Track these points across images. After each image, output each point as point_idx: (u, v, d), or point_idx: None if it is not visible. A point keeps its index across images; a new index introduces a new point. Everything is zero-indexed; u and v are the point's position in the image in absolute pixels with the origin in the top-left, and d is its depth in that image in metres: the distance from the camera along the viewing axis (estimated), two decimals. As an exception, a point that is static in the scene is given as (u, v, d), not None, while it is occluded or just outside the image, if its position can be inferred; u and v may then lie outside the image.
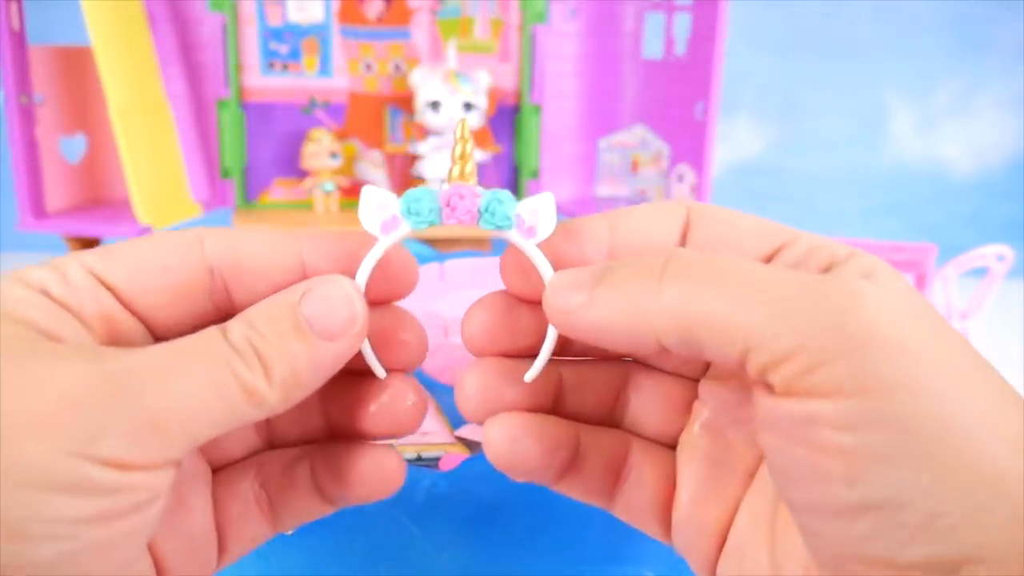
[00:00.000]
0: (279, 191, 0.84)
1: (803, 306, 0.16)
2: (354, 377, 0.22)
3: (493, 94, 0.83)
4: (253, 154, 0.83)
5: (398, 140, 0.85)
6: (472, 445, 0.36)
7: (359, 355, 0.21)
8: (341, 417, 0.22)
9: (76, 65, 0.74)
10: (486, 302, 0.22)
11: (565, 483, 0.22)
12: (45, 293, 0.19)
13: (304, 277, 0.20)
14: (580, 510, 0.25)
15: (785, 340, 0.16)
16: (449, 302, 0.49)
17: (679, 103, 0.79)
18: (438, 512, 0.32)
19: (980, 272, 0.70)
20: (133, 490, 0.17)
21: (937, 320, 0.17)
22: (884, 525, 0.15)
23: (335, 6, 0.81)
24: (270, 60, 0.81)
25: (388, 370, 0.22)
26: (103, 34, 0.65)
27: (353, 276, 0.20)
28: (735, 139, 1.21)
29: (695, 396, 0.22)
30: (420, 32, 0.83)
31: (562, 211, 0.90)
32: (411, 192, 0.20)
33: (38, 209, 0.70)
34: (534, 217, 0.20)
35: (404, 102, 0.83)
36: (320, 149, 0.79)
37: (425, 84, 0.78)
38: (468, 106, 0.78)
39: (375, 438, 0.22)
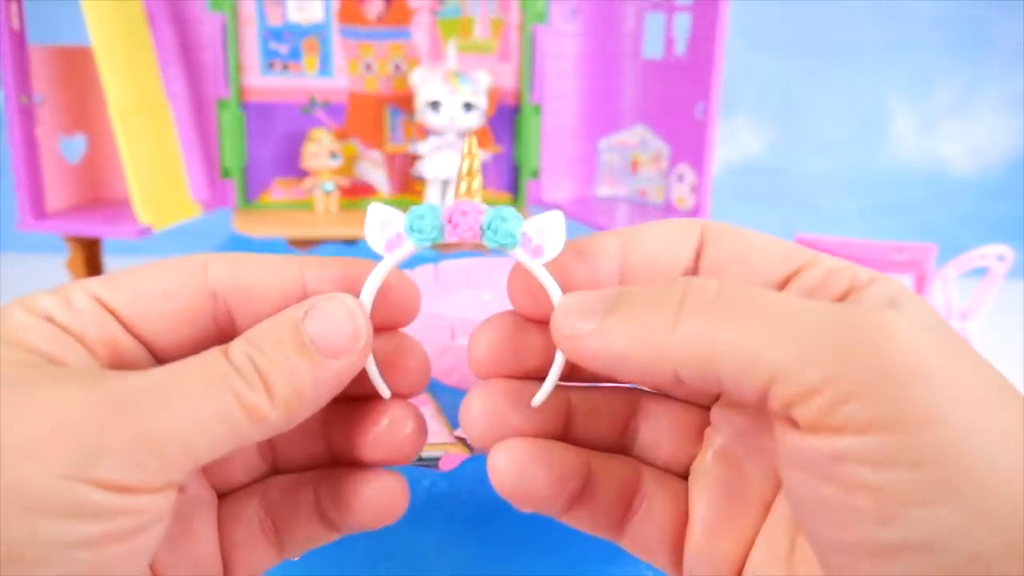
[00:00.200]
0: (279, 191, 0.84)
1: (829, 338, 0.15)
2: (355, 403, 0.22)
3: (493, 94, 0.83)
4: (253, 154, 0.82)
5: (398, 140, 0.85)
6: (472, 445, 0.36)
7: (361, 380, 0.21)
8: (342, 443, 0.22)
9: (76, 65, 0.74)
10: (493, 323, 0.21)
11: (573, 514, 0.21)
12: (49, 319, 0.19)
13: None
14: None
15: (811, 374, 0.15)
16: (455, 303, 0.49)
17: (679, 103, 0.79)
18: (438, 512, 0.32)
19: (980, 272, 0.70)
20: (132, 513, 0.16)
21: (962, 346, 0.16)
22: (921, 566, 0.15)
23: (335, 6, 0.81)
24: (270, 60, 0.81)
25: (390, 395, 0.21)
26: (103, 34, 0.65)
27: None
28: (735, 139, 1.21)
29: (707, 422, 0.21)
30: (420, 32, 0.83)
31: (563, 211, 0.89)
32: (415, 209, 0.20)
33: (38, 209, 0.70)
34: (541, 236, 0.20)
35: (404, 102, 0.83)
36: (320, 149, 0.79)
37: (425, 84, 0.78)
38: (468, 106, 0.78)
39: (374, 464, 0.22)
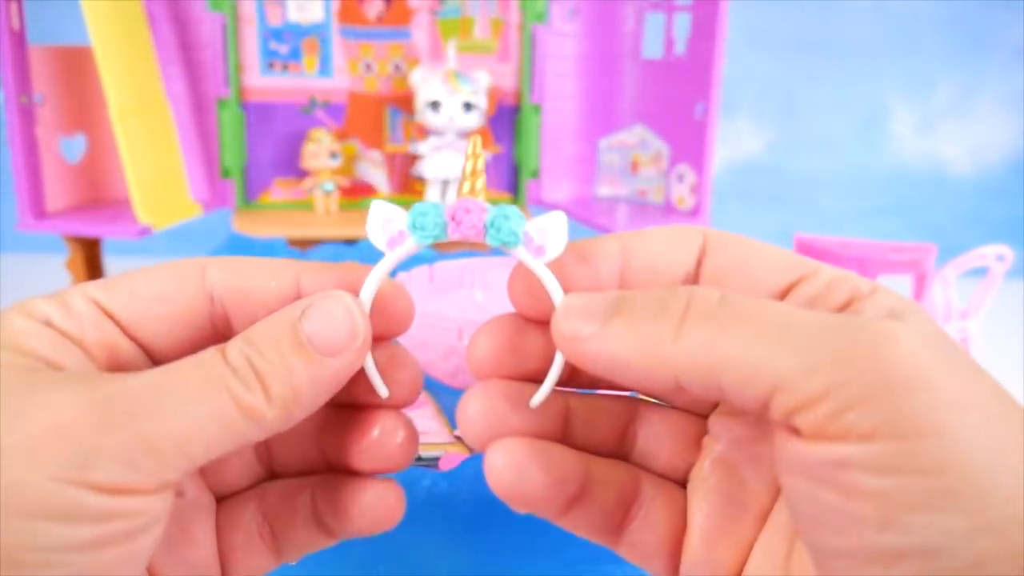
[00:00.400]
0: (279, 191, 0.84)
1: (831, 348, 0.16)
2: (348, 411, 0.22)
3: (493, 94, 0.83)
4: (253, 154, 0.82)
5: (398, 140, 0.85)
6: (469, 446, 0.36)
7: (355, 387, 0.21)
8: (335, 450, 0.22)
9: (76, 65, 0.74)
10: (493, 325, 0.21)
11: (570, 518, 0.21)
12: (48, 323, 0.19)
13: None
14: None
15: (814, 382, 0.15)
16: (449, 303, 0.48)
17: (679, 103, 0.79)
18: (438, 512, 0.32)
19: (980, 272, 0.70)
20: (129, 515, 0.16)
21: (961, 356, 0.16)
22: (922, 572, 0.15)
23: (335, 6, 0.81)
24: (270, 60, 0.81)
25: (381, 406, 0.21)
26: (103, 34, 0.65)
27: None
28: (735, 139, 1.21)
29: (705, 431, 0.21)
30: (420, 32, 0.83)
31: (563, 211, 0.89)
32: (418, 206, 0.20)
33: (38, 209, 0.70)
34: (543, 236, 0.20)
35: (404, 102, 0.83)
36: (320, 149, 0.79)
37: (425, 84, 0.78)
38: (468, 106, 0.78)
39: (366, 472, 0.22)
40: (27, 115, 0.68)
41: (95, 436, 0.16)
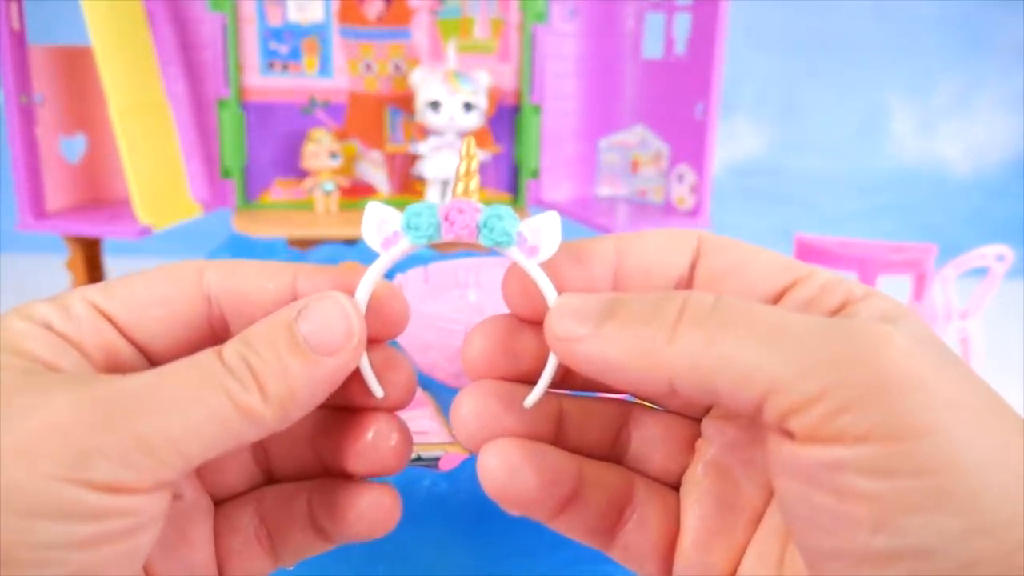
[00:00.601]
0: (279, 191, 0.84)
1: (825, 351, 0.16)
2: (343, 413, 0.22)
3: (493, 94, 0.83)
4: (253, 154, 0.83)
5: (398, 140, 0.85)
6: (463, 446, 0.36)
7: (350, 389, 0.21)
8: (330, 453, 0.22)
9: (76, 65, 0.74)
10: (487, 326, 0.21)
11: (563, 520, 0.21)
12: (47, 326, 0.19)
13: None
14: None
15: (808, 385, 0.15)
16: (443, 304, 0.48)
17: (679, 103, 0.79)
18: (438, 512, 0.32)
19: (980, 272, 0.70)
20: (125, 514, 0.17)
21: (954, 359, 0.17)
22: (916, 573, 0.15)
23: (335, 6, 0.81)
24: (270, 60, 0.81)
25: (375, 409, 0.21)
26: (103, 34, 0.65)
27: None
28: (735, 139, 1.21)
29: (698, 434, 0.21)
30: (420, 32, 0.83)
31: (562, 211, 0.90)
32: (412, 207, 0.20)
33: (38, 209, 0.70)
34: (537, 236, 0.20)
35: (404, 102, 0.83)
36: (320, 149, 0.79)
37: (425, 84, 0.78)
38: (468, 106, 0.78)
39: (360, 476, 0.22)
40: (27, 115, 0.68)
41: (92, 435, 0.16)
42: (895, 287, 0.85)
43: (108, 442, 0.16)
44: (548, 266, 0.20)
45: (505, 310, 0.21)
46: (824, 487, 0.16)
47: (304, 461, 0.23)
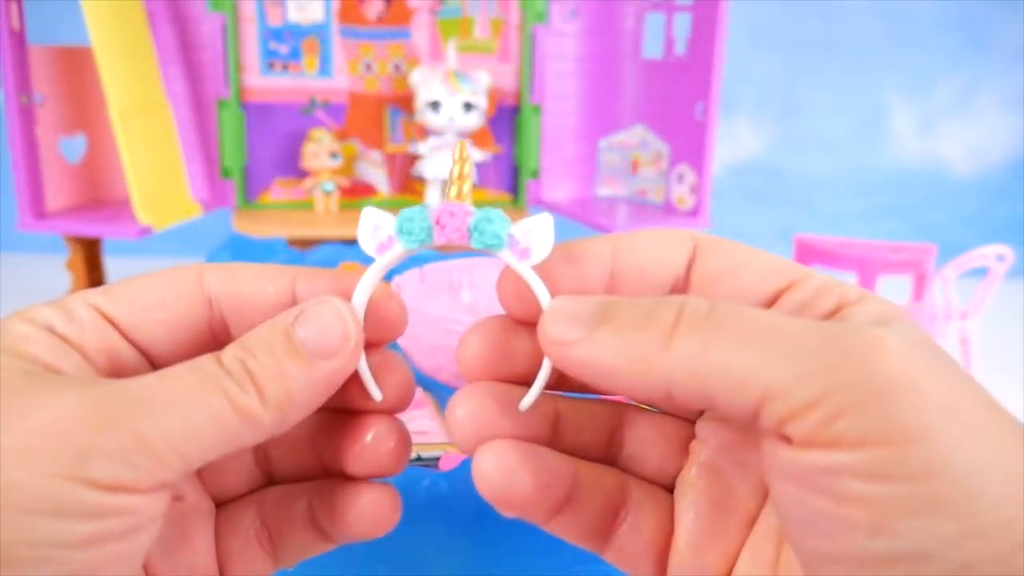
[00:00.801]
0: (279, 191, 0.84)
1: (820, 356, 0.16)
2: (343, 415, 0.22)
3: (493, 94, 0.83)
4: (253, 154, 0.83)
5: (398, 140, 0.85)
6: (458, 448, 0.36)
7: (349, 391, 0.21)
8: (330, 455, 0.22)
9: (76, 65, 0.74)
10: (483, 327, 0.21)
11: (558, 522, 0.21)
12: (49, 329, 0.19)
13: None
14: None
15: (804, 391, 0.15)
16: (439, 304, 0.48)
17: (679, 103, 0.79)
18: (438, 512, 0.32)
19: (980, 272, 0.70)
20: (125, 513, 0.17)
21: (949, 362, 0.17)
22: None
23: (335, 6, 0.81)
24: (270, 60, 0.81)
25: (374, 412, 0.22)
26: (103, 34, 0.65)
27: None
28: (735, 139, 1.21)
29: (693, 435, 0.21)
30: (420, 32, 0.83)
31: (562, 211, 0.90)
32: (404, 212, 0.20)
33: (38, 209, 0.70)
34: (528, 238, 0.19)
35: (404, 102, 0.83)
36: (320, 149, 0.79)
37: (425, 84, 0.78)
38: (468, 106, 0.78)
39: (361, 477, 0.22)
40: (27, 115, 0.68)
41: (92, 434, 0.16)
42: (895, 287, 0.85)
43: (109, 441, 0.16)
44: (541, 268, 0.20)
45: (501, 310, 0.21)
46: (821, 491, 0.16)
47: (304, 463, 0.23)
